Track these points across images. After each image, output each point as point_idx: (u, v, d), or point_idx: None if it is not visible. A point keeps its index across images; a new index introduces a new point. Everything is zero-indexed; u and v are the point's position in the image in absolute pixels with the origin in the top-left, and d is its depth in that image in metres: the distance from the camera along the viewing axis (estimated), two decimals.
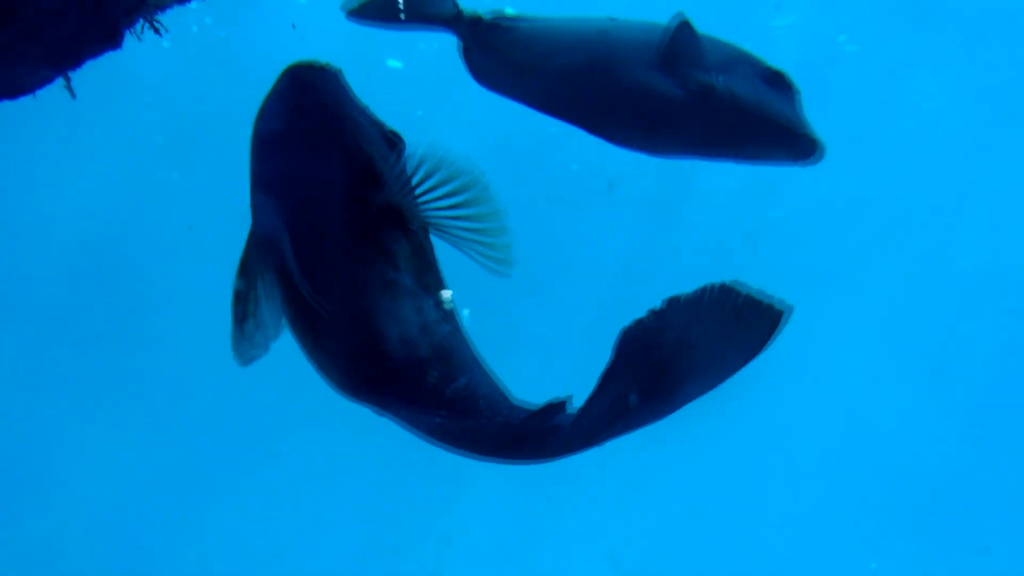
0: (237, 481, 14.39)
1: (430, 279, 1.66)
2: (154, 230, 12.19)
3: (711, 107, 2.21)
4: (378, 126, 1.70)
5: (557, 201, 12.46)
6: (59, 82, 2.28)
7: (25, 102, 2.30)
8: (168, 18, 2.37)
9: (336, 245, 1.58)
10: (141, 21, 2.24)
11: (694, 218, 12.63)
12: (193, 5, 2.51)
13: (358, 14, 2.50)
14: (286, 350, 1.71)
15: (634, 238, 13.04)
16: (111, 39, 2.07)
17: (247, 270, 1.62)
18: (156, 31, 2.24)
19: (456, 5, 2.56)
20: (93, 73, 2.29)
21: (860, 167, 11.96)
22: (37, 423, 13.66)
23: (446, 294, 1.68)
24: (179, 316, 13.01)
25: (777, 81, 2.27)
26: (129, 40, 2.19)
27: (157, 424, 13.88)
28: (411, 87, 10.88)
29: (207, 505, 14.12)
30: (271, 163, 1.60)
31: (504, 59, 2.43)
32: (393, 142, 1.69)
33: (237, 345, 1.60)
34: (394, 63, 10.75)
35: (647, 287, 14.18)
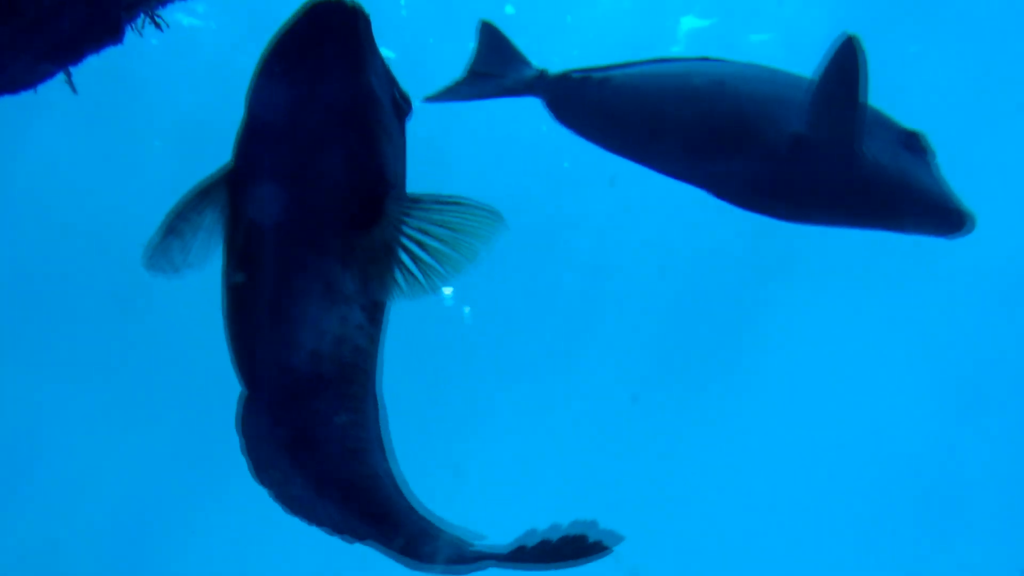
0: (237, 468, 14.38)
1: (376, 285, 1.54)
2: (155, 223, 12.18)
3: (857, 180, 1.99)
4: (392, 87, 1.60)
5: (558, 195, 12.45)
6: (60, 77, 2.27)
7: (26, 97, 2.29)
8: (170, 13, 2.36)
9: (302, 224, 1.49)
10: (142, 16, 2.23)
11: (695, 214, 12.62)
12: None
13: (437, 99, 2.37)
14: None
15: (637, 233, 13.03)
16: (112, 34, 2.07)
17: (206, 195, 1.53)
18: (157, 26, 2.23)
19: (537, 68, 2.38)
20: (94, 68, 2.28)
21: None
22: (32, 419, 13.67)
23: (446, 291, 1.63)
24: (177, 312, 13.01)
25: (914, 143, 2.05)
26: (130, 35, 2.19)
27: (156, 417, 13.89)
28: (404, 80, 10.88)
29: (210, 482, 14.12)
30: (270, 103, 1.47)
31: (603, 118, 2.26)
32: (402, 110, 1.60)
33: (150, 251, 1.52)
34: (386, 53, 10.75)
35: (647, 281, 14.21)
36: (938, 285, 13.33)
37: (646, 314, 14.39)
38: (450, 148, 11.22)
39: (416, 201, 1.50)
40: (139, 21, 2.21)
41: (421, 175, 1.76)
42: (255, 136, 1.49)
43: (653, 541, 15.13)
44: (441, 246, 1.48)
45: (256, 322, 1.56)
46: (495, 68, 2.41)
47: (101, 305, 13.04)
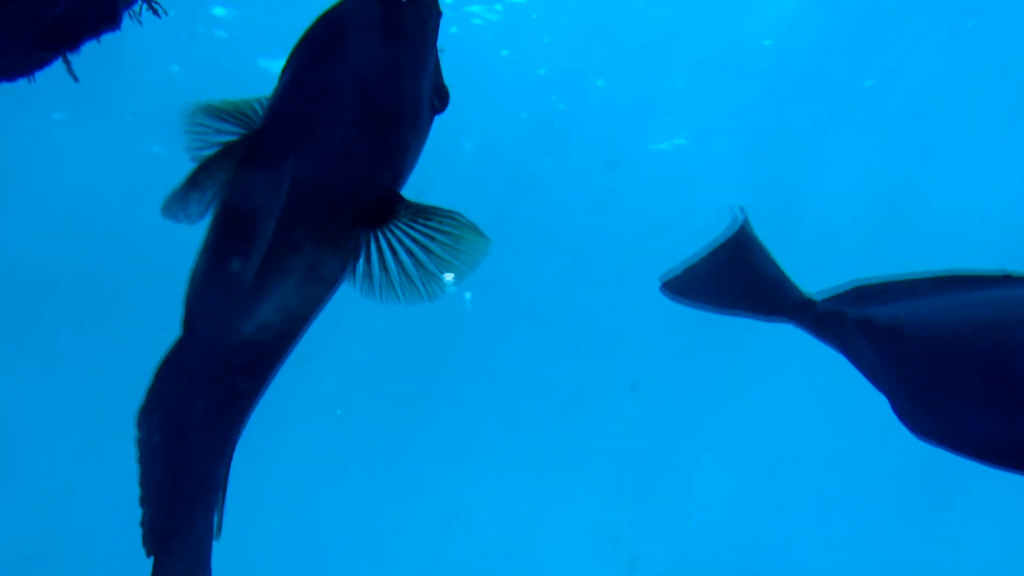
0: (239, 466, 14.42)
1: (353, 274, 1.56)
2: (153, 215, 12.14)
3: None
4: (438, 82, 1.59)
5: (558, 182, 12.42)
6: (59, 64, 2.26)
7: (22, 84, 2.28)
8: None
9: (312, 209, 1.50)
10: (139, 2, 2.22)
11: (694, 203, 12.59)
12: None
13: (675, 288, 2.02)
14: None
15: (635, 221, 13.00)
16: (109, 21, 2.05)
17: (231, 154, 1.53)
18: (155, 12, 2.21)
19: (803, 294, 1.97)
20: (93, 55, 2.27)
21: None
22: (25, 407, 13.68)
23: (447, 277, 1.63)
24: (175, 306, 13.00)
25: None
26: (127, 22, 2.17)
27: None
28: None
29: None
30: (320, 78, 1.45)
31: (884, 359, 1.79)
32: (436, 108, 1.60)
33: (172, 200, 1.54)
34: None
35: (647, 271, 14.16)
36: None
37: (647, 305, 14.38)
38: (454, 136, 11.18)
39: (421, 212, 1.52)
40: (136, 7, 2.19)
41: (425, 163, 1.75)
42: (293, 108, 1.49)
43: (651, 530, 15.19)
44: (430, 262, 1.52)
45: (228, 285, 1.57)
46: (748, 282, 2.04)
47: (96, 289, 13.01)
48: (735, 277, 2.01)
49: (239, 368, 1.64)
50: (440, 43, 1.60)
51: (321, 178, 1.49)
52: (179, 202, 1.54)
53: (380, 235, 1.53)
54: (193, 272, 1.63)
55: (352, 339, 12.54)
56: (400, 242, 1.52)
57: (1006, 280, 1.74)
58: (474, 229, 1.51)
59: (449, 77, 1.58)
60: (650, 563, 14.36)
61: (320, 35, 1.46)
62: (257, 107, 1.57)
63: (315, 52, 1.46)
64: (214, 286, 1.60)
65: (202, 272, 1.61)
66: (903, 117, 10.98)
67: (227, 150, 1.54)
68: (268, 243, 1.49)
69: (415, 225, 1.52)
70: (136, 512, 1.66)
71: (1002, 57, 9.89)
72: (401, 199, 1.53)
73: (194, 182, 1.54)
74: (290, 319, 1.62)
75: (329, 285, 1.61)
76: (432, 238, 1.51)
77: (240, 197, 1.55)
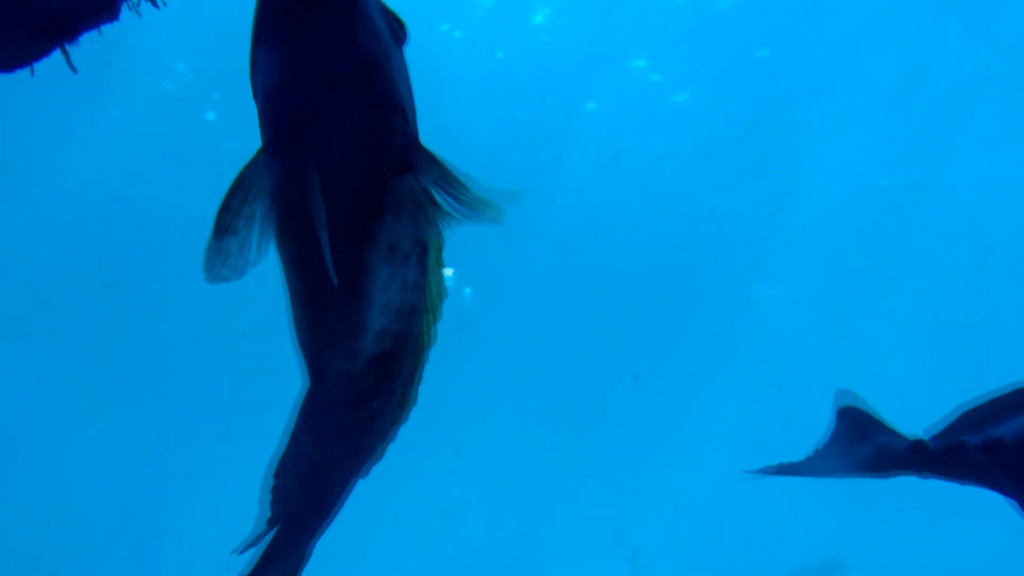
0: (235, 461, 14.44)
1: (424, 227, 1.49)
2: (152, 209, 12.15)
3: None
4: (387, 17, 1.50)
5: (562, 173, 12.41)
6: (56, 56, 2.25)
7: (22, 75, 2.27)
8: None
9: (350, 178, 1.43)
10: None
11: (700, 191, 12.58)
12: None
13: (773, 471, 2.08)
14: (283, 335, 1.65)
15: (640, 211, 13.00)
16: (108, 11, 2.05)
17: (249, 182, 1.43)
18: (153, 3, 2.21)
19: (909, 436, 1.96)
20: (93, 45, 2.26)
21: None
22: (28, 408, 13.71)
23: (446, 272, 1.62)
24: (173, 301, 13.02)
25: None
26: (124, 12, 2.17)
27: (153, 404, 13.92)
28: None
29: (204, 482, 14.18)
30: (280, 72, 1.38)
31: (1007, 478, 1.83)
32: (399, 37, 1.51)
33: (211, 258, 1.41)
34: None
35: (648, 265, 14.18)
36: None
37: (648, 296, 14.38)
38: (458, 125, 11.17)
39: (442, 167, 1.46)
40: None
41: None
42: (275, 108, 1.42)
43: (654, 521, 15.20)
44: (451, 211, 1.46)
45: (327, 309, 1.51)
46: (857, 449, 2.05)
47: (93, 281, 13.01)
48: (844, 450, 2.05)
49: (368, 390, 1.61)
50: None
51: (342, 155, 1.42)
52: (219, 256, 1.41)
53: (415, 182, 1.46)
54: (292, 319, 1.57)
55: None
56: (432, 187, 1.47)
57: None
58: (491, 206, 1.46)
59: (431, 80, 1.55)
60: (653, 556, 14.39)
61: (262, 37, 1.40)
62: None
63: (269, 44, 1.39)
64: (316, 319, 1.55)
65: (299, 314, 1.55)
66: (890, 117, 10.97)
67: (243, 180, 1.44)
68: (334, 235, 1.42)
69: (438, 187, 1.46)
70: (134, 512, 1.66)
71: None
72: (423, 149, 1.47)
73: (223, 228, 1.42)
74: (403, 316, 1.57)
75: (418, 258, 1.55)
76: (453, 193, 1.46)
77: (285, 220, 1.46)
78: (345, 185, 1.43)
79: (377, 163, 1.43)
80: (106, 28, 2.20)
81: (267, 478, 1.65)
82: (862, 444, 2.04)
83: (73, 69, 2.23)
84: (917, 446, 1.95)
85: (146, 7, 2.28)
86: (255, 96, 1.46)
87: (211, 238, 1.41)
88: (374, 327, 1.54)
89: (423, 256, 1.57)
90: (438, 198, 1.46)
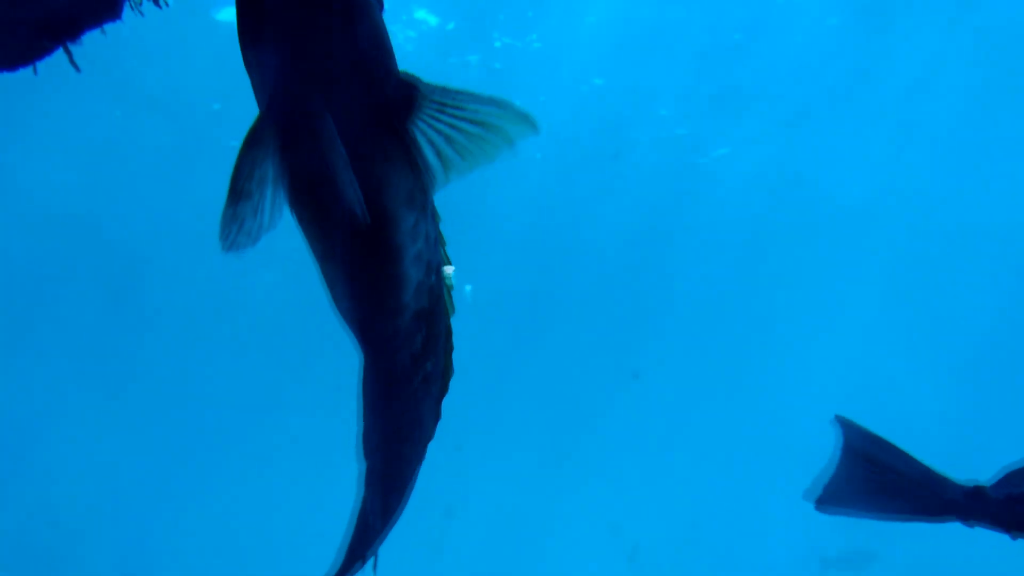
0: (239, 460, 14.44)
1: (432, 173, 1.47)
2: (151, 204, 12.14)
3: None
4: None
5: (563, 170, 12.41)
6: (59, 54, 2.25)
7: (25, 74, 2.27)
8: None
9: (358, 145, 1.39)
10: None
11: (698, 188, 12.58)
12: None
13: (825, 502, 1.98)
14: (282, 333, 1.65)
15: (639, 208, 13.00)
16: (110, 10, 2.05)
17: (260, 141, 1.41)
18: (155, 2, 2.21)
19: (963, 484, 1.91)
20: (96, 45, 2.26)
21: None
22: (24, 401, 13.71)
23: (448, 270, 1.62)
24: (172, 297, 13.00)
25: None
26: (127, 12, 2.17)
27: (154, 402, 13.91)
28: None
29: (213, 483, 14.17)
30: (263, 31, 1.35)
31: None
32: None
33: (226, 226, 1.40)
34: None
35: (649, 263, 14.18)
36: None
37: (647, 292, 14.38)
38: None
39: (449, 93, 1.44)
40: None
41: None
42: (266, 67, 1.40)
43: (654, 518, 15.21)
44: (467, 141, 1.44)
45: (359, 266, 1.48)
46: (896, 485, 1.98)
47: (92, 276, 13.01)
48: (877, 483, 1.99)
49: (419, 352, 1.60)
50: None
51: (347, 100, 1.39)
52: (234, 222, 1.40)
53: (423, 120, 1.43)
54: (328, 287, 1.55)
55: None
56: (440, 119, 1.44)
57: None
58: (514, 109, 1.43)
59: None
60: (652, 552, 14.41)
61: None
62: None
63: (250, 18, 1.36)
64: (352, 279, 1.52)
65: (333, 278, 1.53)
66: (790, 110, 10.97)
67: (251, 142, 1.42)
68: (359, 196, 1.38)
69: (443, 112, 1.43)
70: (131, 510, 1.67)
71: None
72: (415, 83, 1.44)
73: (237, 192, 1.41)
74: (432, 272, 1.56)
75: (432, 213, 1.55)
76: (470, 118, 1.43)
77: (302, 180, 1.44)
78: (352, 133, 1.40)
79: (381, 104, 1.42)
80: (108, 27, 2.20)
81: (358, 459, 1.66)
82: (904, 483, 1.98)
83: (76, 67, 2.23)
84: (976, 493, 1.92)
85: (148, 6, 2.28)
86: (249, 66, 1.44)
87: (225, 205, 1.41)
88: (412, 279, 1.52)
89: (436, 213, 1.57)
90: (452, 133, 1.44)
